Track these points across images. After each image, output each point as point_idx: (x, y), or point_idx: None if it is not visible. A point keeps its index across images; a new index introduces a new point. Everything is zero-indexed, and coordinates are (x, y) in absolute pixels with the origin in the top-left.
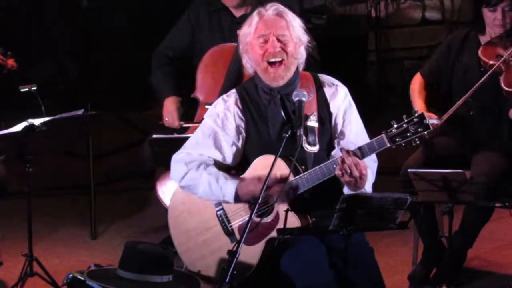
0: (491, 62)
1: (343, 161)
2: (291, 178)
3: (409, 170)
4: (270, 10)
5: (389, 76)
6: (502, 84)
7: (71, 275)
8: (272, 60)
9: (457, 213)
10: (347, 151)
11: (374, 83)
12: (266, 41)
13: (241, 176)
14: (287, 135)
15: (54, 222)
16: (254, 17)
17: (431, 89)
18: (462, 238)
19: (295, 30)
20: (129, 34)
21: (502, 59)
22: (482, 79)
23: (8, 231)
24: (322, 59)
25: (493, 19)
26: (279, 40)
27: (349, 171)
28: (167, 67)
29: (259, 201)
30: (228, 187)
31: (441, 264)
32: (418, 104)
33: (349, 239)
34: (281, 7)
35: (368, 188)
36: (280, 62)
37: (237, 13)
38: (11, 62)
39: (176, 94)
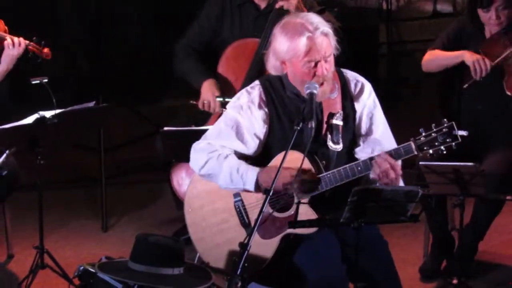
0: (493, 63)
1: (380, 167)
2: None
3: (420, 162)
4: (318, 31)
5: (401, 69)
6: (506, 90)
7: (82, 268)
8: (320, 81)
9: (468, 206)
10: (384, 157)
11: (385, 76)
12: (315, 65)
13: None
14: (298, 128)
15: (65, 214)
16: (302, 39)
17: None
18: (473, 231)
19: (334, 43)
20: (141, 27)
21: (500, 58)
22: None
23: (19, 224)
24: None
25: (488, 19)
26: (325, 61)
27: (385, 175)
28: (196, 55)
29: (271, 192)
30: (249, 174)
31: (451, 257)
32: (443, 52)
33: (363, 232)
34: (325, 27)
35: (401, 183)
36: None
37: (262, 4)
38: (46, 50)
39: (212, 77)
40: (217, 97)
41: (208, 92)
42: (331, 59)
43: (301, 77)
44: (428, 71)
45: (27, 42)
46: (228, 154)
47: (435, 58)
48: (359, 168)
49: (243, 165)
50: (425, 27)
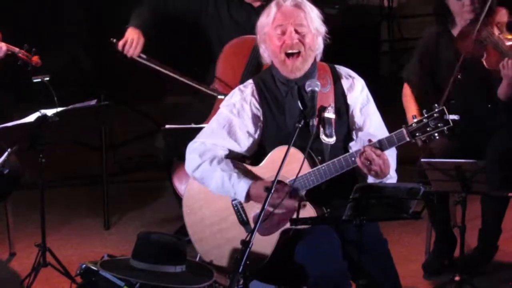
0: (470, 50)
1: (362, 154)
2: (308, 169)
3: (422, 159)
4: (288, 0)
5: (402, 66)
6: (486, 65)
7: (84, 266)
8: (290, 51)
9: (470, 203)
10: (367, 146)
11: (387, 73)
12: (283, 33)
13: (258, 166)
14: (300, 125)
15: (67, 212)
16: (272, 8)
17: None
18: (488, 233)
19: (313, 21)
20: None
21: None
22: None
23: (21, 222)
24: (334, 50)
25: (461, 6)
26: (296, 32)
27: (368, 163)
28: (156, 10)
29: (272, 191)
30: (240, 186)
31: (453, 254)
32: (412, 108)
33: (363, 230)
34: (301, 1)
35: (392, 173)
36: (298, 54)
37: (255, 3)
38: (35, 59)
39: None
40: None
41: (134, 34)
42: (308, 34)
43: (274, 50)
44: None
45: (17, 49)
46: (222, 159)
47: (404, 106)
48: (352, 159)
49: (235, 174)
50: (427, 25)
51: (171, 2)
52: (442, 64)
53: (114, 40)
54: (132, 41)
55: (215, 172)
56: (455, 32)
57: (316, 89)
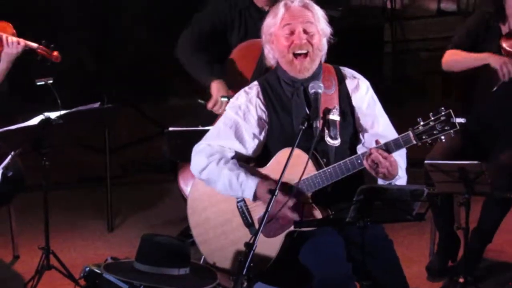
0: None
1: (368, 157)
2: (313, 171)
3: (425, 161)
4: (296, 1)
5: (405, 68)
6: None
7: (88, 268)
8: (298, 52)
9: (474, 205)
10: (373, 148)
11: (390, 75)
12: (292, 32)
13: (263, 168)
14: (303, 127)
15: (71, 215)
16: (280, 8)
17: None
18: (481, 233)
19: (320, 21)
20: (147, 26)
21: None
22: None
23: (25, 225)
24: (337, 51)
25: None
26: (305, 32)
27: (375, 165)
28: (204, 51)
29: (276, 193)
30: (248, 184)
31: (457, 256)
32: (465, 54)
33: (368, 232)
34: (308, 1)
35: (401, 174)
36: (306, 54)
37: (266, 8)
38: (56, 54)
39: (221, 77)
40: (222, 97)
41: (221, 92)
42: (315, 35)
43: (281, 50)
44: (449, 70)
45: (35, 45)
46: (229, 160)
47: (458, 60)
48: (359, 161)
49: (242, 173)
50: (430, 26)
51: (205, 24)
52: (482, 51)
53: (203, 102)
54: (221, 103)
55: (222, 172)
56: (504, 29)
57: (319, 91)
